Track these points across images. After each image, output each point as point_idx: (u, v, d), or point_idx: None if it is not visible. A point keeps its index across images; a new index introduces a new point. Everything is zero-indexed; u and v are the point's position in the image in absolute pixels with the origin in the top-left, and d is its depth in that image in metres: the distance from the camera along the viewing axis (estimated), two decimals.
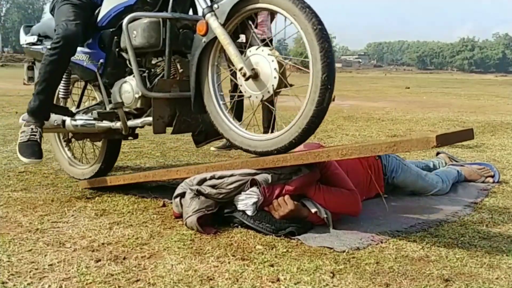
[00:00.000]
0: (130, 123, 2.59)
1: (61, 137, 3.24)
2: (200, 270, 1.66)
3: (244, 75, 2.11)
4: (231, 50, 2.13)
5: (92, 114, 2.73)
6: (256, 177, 2.06)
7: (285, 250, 1.86)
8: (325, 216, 2.10)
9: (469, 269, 1.70)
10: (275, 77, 2.06)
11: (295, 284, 1.57)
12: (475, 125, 5.92)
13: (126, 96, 2.56)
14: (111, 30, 2.60)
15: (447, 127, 5.76)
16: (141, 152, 3.91)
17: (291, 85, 2.10)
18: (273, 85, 2.07)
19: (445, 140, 1.76)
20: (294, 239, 1.98)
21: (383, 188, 2.61)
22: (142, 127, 2.65)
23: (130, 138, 2.85)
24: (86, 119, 2.75)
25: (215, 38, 2.19)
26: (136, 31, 2.43)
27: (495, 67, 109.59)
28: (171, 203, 2.25)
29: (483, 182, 2.98)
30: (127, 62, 2.57)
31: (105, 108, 2.68)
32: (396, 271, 1.68)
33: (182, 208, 2.12)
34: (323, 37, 1.93)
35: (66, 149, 3.22)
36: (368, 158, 2.54)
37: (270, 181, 2.06)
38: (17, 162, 3.39)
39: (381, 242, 1.96)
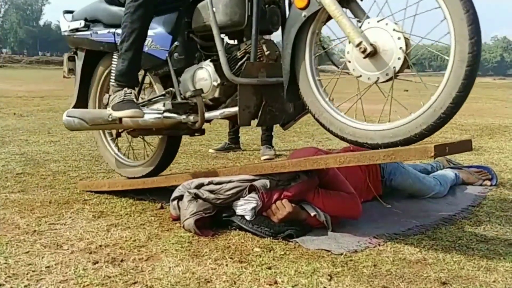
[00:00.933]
0: (207, 115, 2.29)
1: (106, 132, 2.98)
2: (197, 272, 1.66)
3: (363, 51, 1.77)
4: (346, 23, 1.81)
5: (160, 106, 2.43)
6: (255, 183, 2.07)
7: (282, 252, 1.86)
8: (324, 219, 2.10)
9: (466, 272, 1.71)
10: (398, 58, 1.75)
11: (292, 286, 1.57)
12: (473, 128, 5.93)
13: (202, 84, 2.27)
14: (180, 8, 2.34)
15: (445, 129, 5.76)
16: (140, 154, 3.90)
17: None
18: (394, 67, 1.77)
19: (443, 150, 1.77)
20: (292, 241, 1.98)
21: (381, 190, 2.61)
22: (208, 121, 2.40)
23: (196, 134, 2.55)
24: (150, 113, 2.42)
25: (318, 11, 1.90)
26: (217, 7, 2.15)
27: (493, 70, 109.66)
28: (169, 205, 2.25)
29: (480, 185, 2.99)
30: (198, 46, 2.33)
31: (175, 99, 2.37)
32: (394, 274, 1.68)
33: (180, 210, 2.13)
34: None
35: (113, 145, 2.94)
36: None
37: (268, 186, 2.06)
38: (15, 164, 3.38)
39: (379, 245, 1.96)
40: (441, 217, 2.34)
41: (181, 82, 2.36)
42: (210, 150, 4.26)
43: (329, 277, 1.64)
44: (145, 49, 2.37)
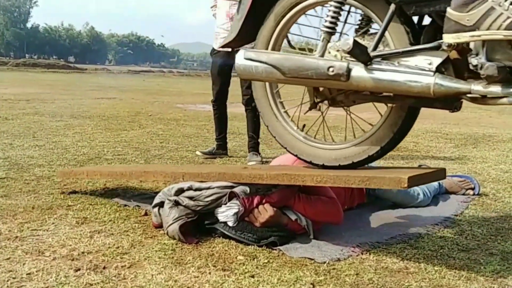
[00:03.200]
0: None
1: (278, 101, 2.22)
2: (180, 280, 1.66)
3: None
4: None
5: (423, 63, 1.73)
6: (234, 189, 2.08)
7: (266, 261, 1.86)
8: (305, 223, 2.11)
9: (447, 281, 1.72)
10: None
11: None
12: (458, 137, 6.00)
13: None
14: None
15: (430, 138, 5.82)
16: (125, 159, 3.89)
17: None
18: None
19: (417, 180, 1.79)
20: (275, 249, 1.99)
21: (365, 199, 2.64)
22: None
23: (455, 109, 1.87)
24: (406, 72, 1.73)
25: None
26: None
27: None
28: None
29: (463, 194, 3.02)
30: None
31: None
32: (376, 282, 1.70)
33: (161, 217, 2.12)
34: None
35: (293, 126, 2.19)
36: None
37: (248, 192, 2.08)
38: None
39: (362, 254, 1.97)
40: (424, 226, 2.36)
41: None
42: (197, 152, 4.27)
43: (311, 286, 1.65)
44: None
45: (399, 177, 1.71)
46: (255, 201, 2.07)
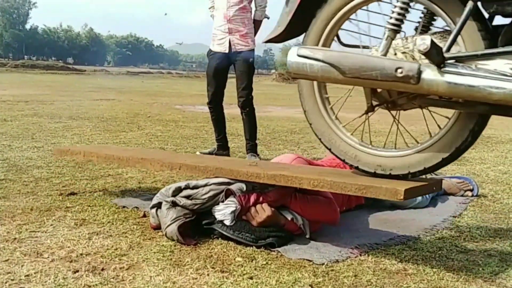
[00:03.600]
0: None
1: (328, 106, 2.07)
2: (178, 282, 1.66)
3: None
4: None
5: (504, 67, 1.58)
6: (231, 186, 2.08)
7: (264, 262, 1.86)
8: (301, 223, 2.11)
9: (445, 283, 1.73)
10: None
11: None
12: None
13: None
14: None
15: None
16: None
17: None
18: None
19: (413, 192, 1.79)
20: (274, 251, 1.99)
21: (363, 200, 2.64)
22: None
23: None
24: (485, 76, 1.57)
25: None
26: None
27: None
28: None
29: (462, 195, 3.03)
30: None
31: None
32: (374, 284, 1.70)
33: (159, 219, 2.12)
34: None
35: (347, 132, 2.04)
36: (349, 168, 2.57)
37: (244, 189, 2.08)
38: None
39: (360, 255, 1.98)
40: (422, 228, 2.36)
41: None
42: (197, 153, 4.28)
43: (310, 287, 1.65)
44: None
45: (395, 188, 1.72)
46: (252, 199, 2.07)
